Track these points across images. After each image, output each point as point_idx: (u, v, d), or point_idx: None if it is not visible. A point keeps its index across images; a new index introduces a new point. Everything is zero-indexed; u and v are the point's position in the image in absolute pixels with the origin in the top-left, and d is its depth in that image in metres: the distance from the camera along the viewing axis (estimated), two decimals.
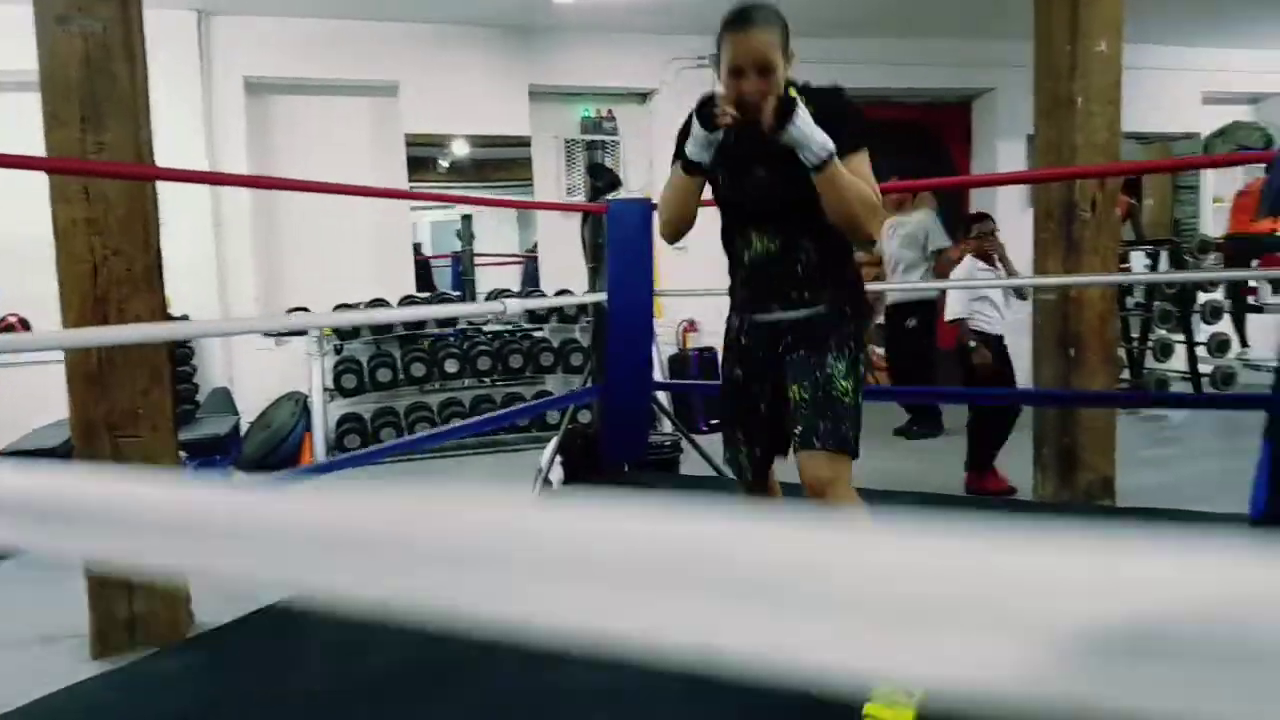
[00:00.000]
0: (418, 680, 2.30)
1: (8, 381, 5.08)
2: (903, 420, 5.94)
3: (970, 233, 4.67)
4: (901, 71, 7.44)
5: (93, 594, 2.87)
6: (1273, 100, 8.09)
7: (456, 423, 5.60)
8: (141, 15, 2.88)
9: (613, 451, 4.09)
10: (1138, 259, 7.46)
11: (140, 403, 2.92)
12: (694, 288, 5.30)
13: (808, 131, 1.81)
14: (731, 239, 2.10)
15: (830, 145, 1.83)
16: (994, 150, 7.91)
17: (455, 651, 2.44)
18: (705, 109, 1.89)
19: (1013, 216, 7.32)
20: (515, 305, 3.40)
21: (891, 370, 6.04)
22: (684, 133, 2.01)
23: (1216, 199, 8.07)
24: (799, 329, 2.01)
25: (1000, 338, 4.62)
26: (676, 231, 2.08)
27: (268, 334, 5.79)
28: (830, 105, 1.94)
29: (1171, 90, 7.69)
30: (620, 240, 3.77)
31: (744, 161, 2.00)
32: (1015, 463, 4.43)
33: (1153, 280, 6.78)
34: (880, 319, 5.91)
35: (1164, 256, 7.17)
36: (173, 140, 4.83)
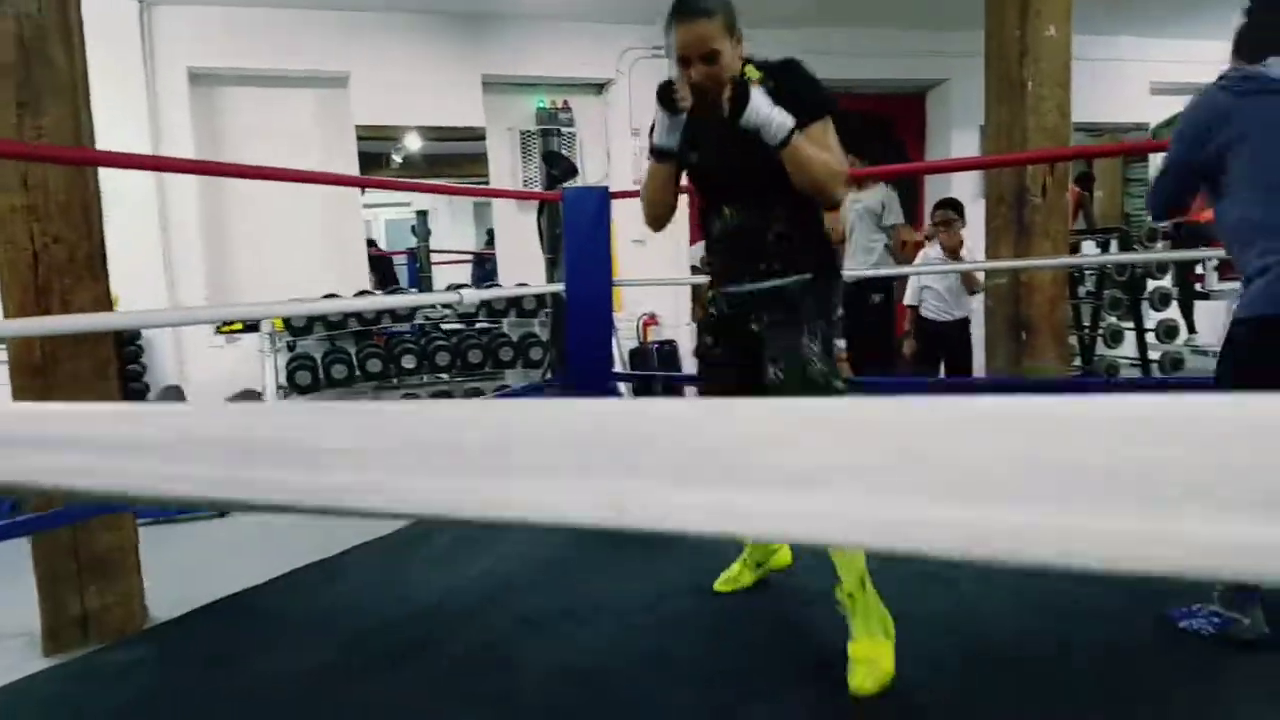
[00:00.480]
0: (370, 670, 2.26)
1: None
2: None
3: (933, 218, 4.73)
4: (856, 63, 7.48)
5: (43, 591, 2.81)
6: None
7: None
8: None
9: None
10: (1089, 248, 7.59)
11: (85, 397, 2.85)
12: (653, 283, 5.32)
13: (765, 113, 1.87)
14: (706, 214, 2.16)
15: (789, 122, 1.88)
16: (948, 141, 8.00)
17: (410, 638, 2.41)
18: (665, 93, 1.97)
19: (965, 206, 7.41)
20: (471, 294, 3.37)
21: (853, 350, 6.06)
22: (655, 124, 2.08)
23: None
24: (771, 303, 2.07)
25: (964, 322, 4.68)
26: (657, 218, 2.17)
27: (218, 330, 5.68)
28: (788, 78, 1.99)
29: (1120, 82, 7.82)
30: (577, 227, 3.74)
31: (712, 140, 2.05)
32: None
33: (1102, 261, 6.90)
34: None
35: (1114, 245, 7.30)
36: (116, 135, 4.72)
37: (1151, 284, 7.33)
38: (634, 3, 6.38)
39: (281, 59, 6.05)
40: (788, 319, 2.03)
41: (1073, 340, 6.77)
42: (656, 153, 2.07)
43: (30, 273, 2.74)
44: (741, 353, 2.14)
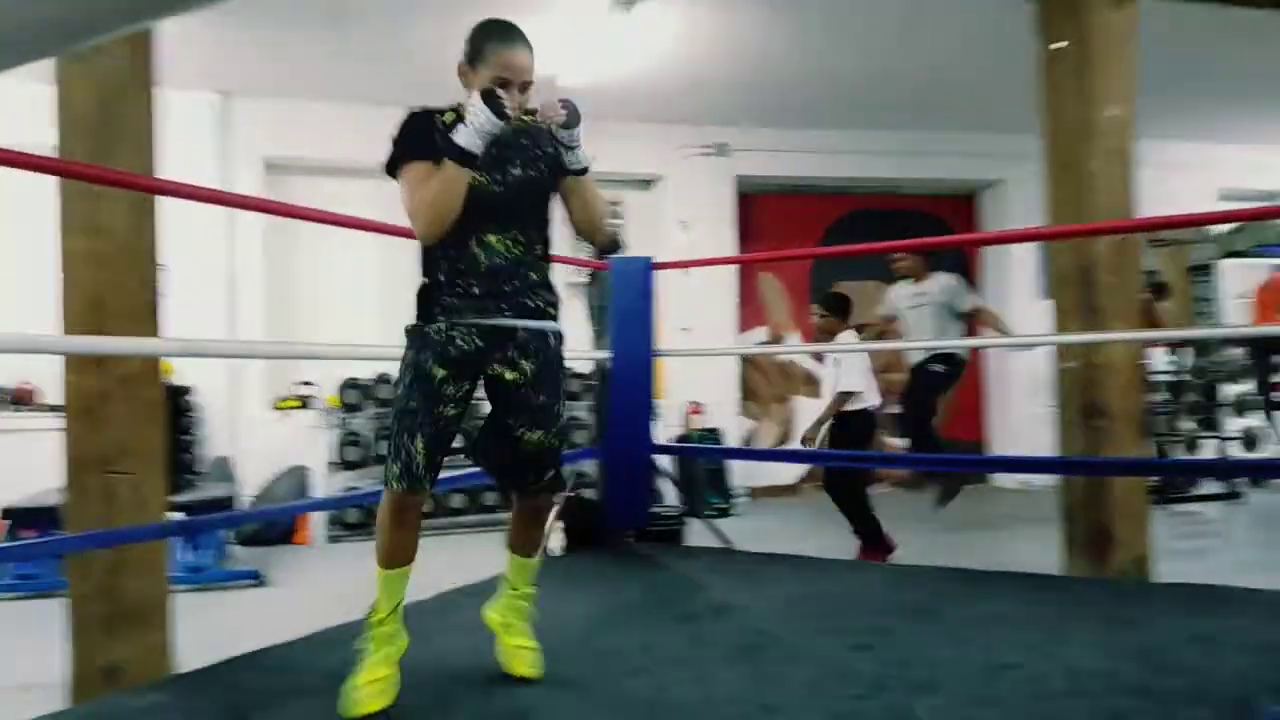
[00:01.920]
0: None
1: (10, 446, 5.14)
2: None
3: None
4: (910, 162, 7.52)
5: (73, 640, 2.76)
6: None
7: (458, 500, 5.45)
8: (151, 52, 2.91)
9: (614, 517, 3.93)
10: (1160, 356, 7.33)
11: (132, 439, 2.85)
12: (696, 367, 5.24)
13: (581, 138, 2.05)
14: (466, 240, 2.07)
15: (589, 156, 2.10)
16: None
17: (434, 698, 2.28)
18: (494, 98, 1.92)
19: (1027, 302, 7.26)
20: None
21: (906, 413, 5.63)
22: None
23: (1240, 295, 7.93)
24: (533, 349, 2.09)
25: (861, 412, 4.75)
26: (445, 226, 2.01)
27: (275, 406, 5.73)
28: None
29: (1187, 189, 7.46)
30: (623, 293, 3.82)
31: (503, 160, 2.09)
32: (1043, 542, 4.24)
33: (1181, 338, 6.66)
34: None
35: (1189, 351, 7.08)
36: (190, 219, 4.82)
37: (1232, 391, 7.04)
38: (684, 104, 6.55)
39: (350, 150, 6.23)
40: (551, 378, 2.11)
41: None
42: (464, 156, 1.95)
43: (92, 316, 2.79)
44: (468, 393, 2.08)
